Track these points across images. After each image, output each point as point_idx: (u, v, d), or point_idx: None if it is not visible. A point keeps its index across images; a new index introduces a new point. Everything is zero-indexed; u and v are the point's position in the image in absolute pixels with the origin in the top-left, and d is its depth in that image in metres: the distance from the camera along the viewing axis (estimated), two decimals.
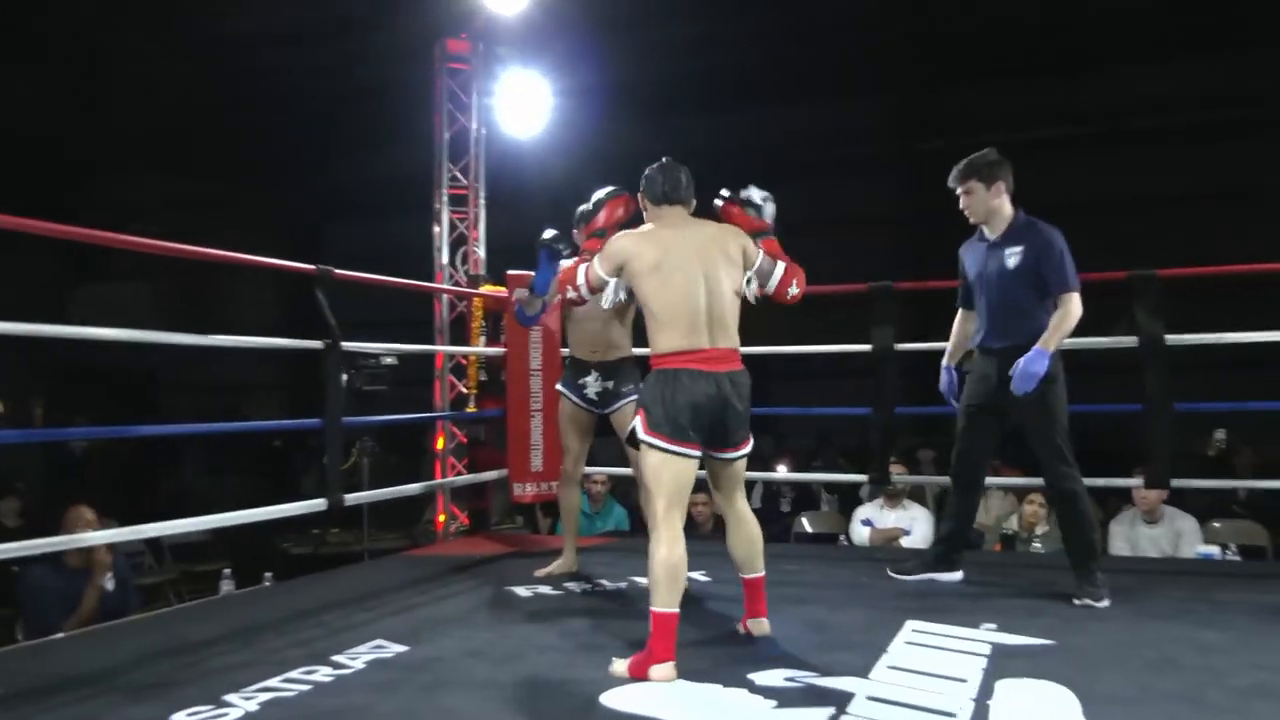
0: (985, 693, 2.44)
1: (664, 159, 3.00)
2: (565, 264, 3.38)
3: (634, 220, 3.10)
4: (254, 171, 12.46)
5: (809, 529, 6.35)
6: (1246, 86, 9.86)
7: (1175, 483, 4.28)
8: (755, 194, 3.07)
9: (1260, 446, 7.89)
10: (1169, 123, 10.25)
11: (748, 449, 2.93)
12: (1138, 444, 4.33)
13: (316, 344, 3.83)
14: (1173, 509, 4.90)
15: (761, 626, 3.00)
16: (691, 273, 2.81)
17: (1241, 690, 2.42)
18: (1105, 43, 9.99)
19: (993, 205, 3.52)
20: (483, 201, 5.85)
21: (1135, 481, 4.58)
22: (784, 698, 2.42)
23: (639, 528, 6.21)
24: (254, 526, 4.16)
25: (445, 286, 5.62)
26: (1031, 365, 3.38)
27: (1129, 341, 4.04)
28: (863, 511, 5.56)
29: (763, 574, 3.00)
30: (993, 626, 3.04)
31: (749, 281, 2.97)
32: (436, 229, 5.77)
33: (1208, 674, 2.56)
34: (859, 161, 11.60)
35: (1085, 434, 4.29)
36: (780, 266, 2.99)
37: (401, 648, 2.93)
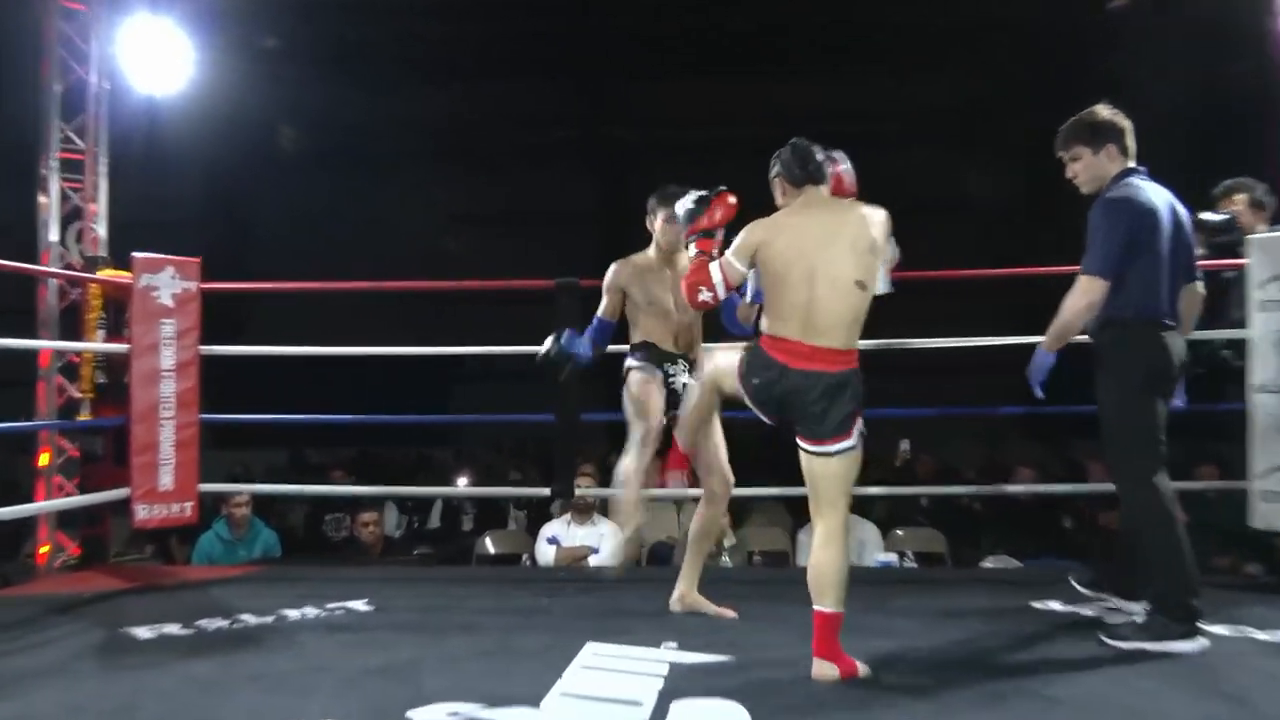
0: (660, 714, 2.57)
1: (793, 139, 3.11)
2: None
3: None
4: None
5: (492, 550, 6.37)
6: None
7: (856, 490, 4.65)
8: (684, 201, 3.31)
9: (938, 453, 8.82)
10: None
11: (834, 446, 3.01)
12: None
13: None
14: (855, 517, 5.33)
15: (819, 669, 2.89)
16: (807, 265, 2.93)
17: (898, 689, 2.70)
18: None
19: (1104, 172, 3.31)
20: (104, 169, 5.43)
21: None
22: None
23: (291, 551, 5.98)
24: None
25: (53, 270, 5.14)
26: None
27: None
28: (549, 529, 5.63)
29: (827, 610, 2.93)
30: (674, 645, 3.21)
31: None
32: (44, 199, 5.27)
33: (869, 681, 2.83)
34: (546, 148, 11.87)
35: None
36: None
37: None
